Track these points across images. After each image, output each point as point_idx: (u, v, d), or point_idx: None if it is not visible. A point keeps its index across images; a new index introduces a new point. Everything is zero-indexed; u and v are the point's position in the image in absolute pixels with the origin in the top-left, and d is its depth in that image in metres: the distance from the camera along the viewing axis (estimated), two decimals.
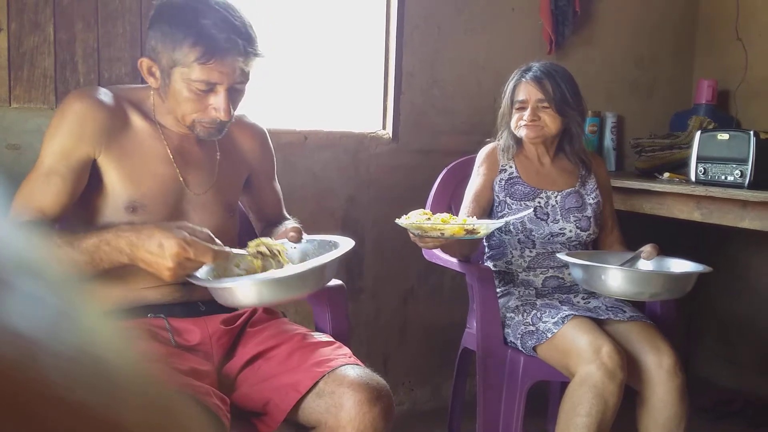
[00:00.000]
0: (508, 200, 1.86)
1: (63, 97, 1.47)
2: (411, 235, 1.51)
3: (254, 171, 1.52)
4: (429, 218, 1.49)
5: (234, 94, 1.31)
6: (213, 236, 1.19)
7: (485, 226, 1.49)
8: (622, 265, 1.71)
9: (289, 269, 1.24)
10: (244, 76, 1.30)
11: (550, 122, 1.85)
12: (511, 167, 1.90)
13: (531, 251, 1.86)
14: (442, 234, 1.46)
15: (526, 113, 1.84)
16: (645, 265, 1.74)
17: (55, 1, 1.72)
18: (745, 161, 2.00)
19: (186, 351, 1.29)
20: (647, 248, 1.76)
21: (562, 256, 1.74)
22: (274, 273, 1.22)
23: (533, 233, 1.84)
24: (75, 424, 0.18)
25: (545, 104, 1.83)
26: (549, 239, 1.84)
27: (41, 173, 1.26)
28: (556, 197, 1.88)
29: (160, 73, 1.31)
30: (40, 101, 1.72)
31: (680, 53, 2.87)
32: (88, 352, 0.19)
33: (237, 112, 1.51)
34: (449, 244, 1.63)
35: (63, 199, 1.25)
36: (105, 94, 1.33)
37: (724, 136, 2.09)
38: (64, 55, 1.74)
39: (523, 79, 1.86)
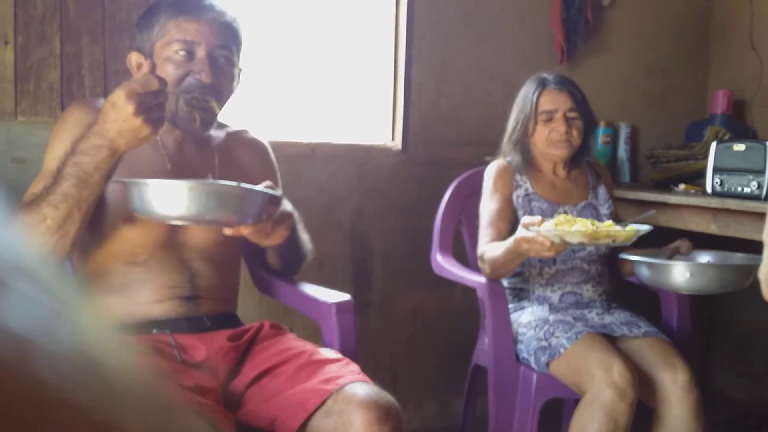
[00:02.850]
0: None
1: None
2: (543, 244, 1.50)
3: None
4: (556, 225, 1.54)
5: (216, 64, 1.31)
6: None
7: (641, 231, 1.54)
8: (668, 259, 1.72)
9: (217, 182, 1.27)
10: (223, 41, 1.32)
11: (577, 135, 1.81)
12: (525, 182, 1.84)
13: (551, 268, 1.81)
14: (614, 241, 1.50)
15: (557, 125, 1.77)
16: (701, 259, 1.75)
17: (62, 14, 1.72)
18: (761, 172, 1.96)
19: (191, 367, 1.27)
20: (685, 243, 1.73)
21: (627, 256, 1.71)
22: (202, 181, 1.24)
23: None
24: (71, 426, 0.17)
25: (574, 114, 1.79)
26: (570, 255, 1.80)
27: (43, 176, 1.27)
28: (572, 212, 1.84)
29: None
30: (46, 114, 1.71)
31: (694, 63, 2.84)
32: (84, 353, 0.19)
33: (238, 127, 1.49)
34: (514, 259, 1.65)
35: None
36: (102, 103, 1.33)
37: (740, 146, 2.05)
38: (71, 68, 1.73)
39: (548, 87, 1.79)
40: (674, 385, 1.61)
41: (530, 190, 1.83)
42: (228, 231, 1.25)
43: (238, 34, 1.35)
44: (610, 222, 1.57)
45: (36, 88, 1.70)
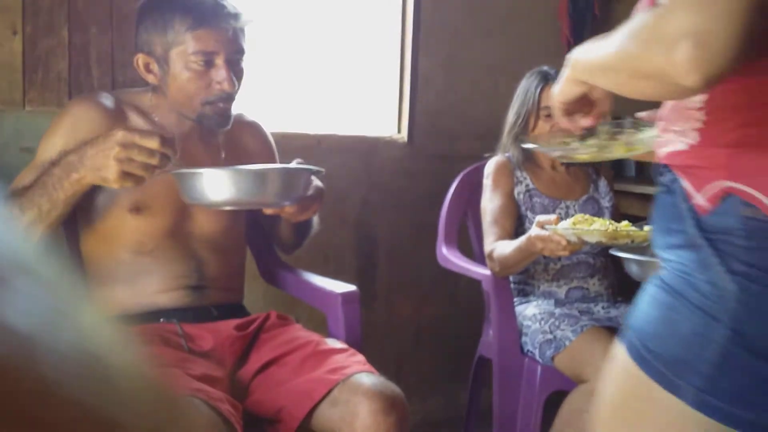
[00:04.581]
0: (529, 214, 1.80)
1: None
2: (559, 243, 1.48)
3: None
4: (575, 224, 1.53)
5: (234, 69, 1.32)
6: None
7: None
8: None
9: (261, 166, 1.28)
10: (240, 46, 1.32)
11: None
12: (525, 178, 1.84)
13: (556, 264, 1.81)
14: (632, 242, 1.50)
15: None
16: None
17: (70, 4, 1.72)
18: None
19: (199, 356, 1.28)
20: None
21: (617, 252, 1.70)
22: (250, 166, 1.26)
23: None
24: (73, 424, 0.17)
25: None
26: None
27: (31, 168, 1.27)
28: (575, 207, 1.84)
29: (157, 65, 1.32)
30: (54, 104, 1.71)
31: None
32: (87, 350, 0.19)
33: (234, 111, 1.50)
34: (526, 258, 1.63)
35: None
36: (105, 98, 1.34)
37: None
38: (79, 58, 1.74)
39: (551, 82, 1.78)
40: None
41: (531, 186, 1.83)
42: (269, 210, 1.27)
43: (246, 32, 1.36)
44: (627, 222, 1.57)
45: (44, 77, 1.71)
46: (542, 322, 1.72)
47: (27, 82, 1.69)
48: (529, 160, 1.85)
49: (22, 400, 0.16)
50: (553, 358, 1.67)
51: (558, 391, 1.74)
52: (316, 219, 1.52)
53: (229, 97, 1.33)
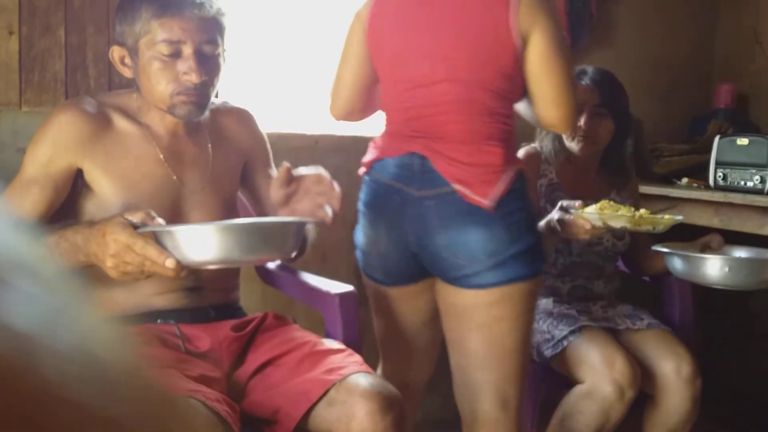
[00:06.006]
0: (549, 207, 1.79)
1: None
2: (584, 226, 1.51)
3: (249, 159, 1.50)
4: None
5: (204, 60, 1.28)
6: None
7: (678, 220, 1.58)
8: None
9: (249, 220, 1.24)
10: (210, 36, 1.29)
11: (604, 133, 1.77)
12: (551, 173, 1.80)
13: (566, 259, 1.80)
14: (654, 228, 1.52)
15: (582, 120, 1.73)
16: (734, 254, 1.75)
17: (67, 4, 1.72)
18: (764, 167, 1.96)
19: (196, 357, 1.28)
20: (716, 238, 1.73)
21: (661, 248, 1.70)
22: (233, 221, 1.21)
23: (573, 241, 1.77)
24: (73, 423, 0.17)
25: (603, 110, 1.75)
26: (586, 248, 1.78)
27: (21, 181, 1.28)
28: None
29: (130, 58, 1.31)
30: (51, 105, 1.71)
31: (699, 57, 2.83)
32: (85, 350, 0.19)
33: (219, 101, 1.48)
34: (549, 237, 1.63)
35: (41, 208, 1.26)
36: (89, 103, 1.33)
37: (743, 141, 2.06)
38: (75, 58, 1.74)
39: (580, 83, 1.76)
40: (677, 376, 1.61)
41: (554, 180, 1.79)
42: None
43: (222, 23, 1.32)
44: (645, 210, 1.57)
45: (41, 78, 1.71)
46: (540, 322, 1.72)
47: (23, 82, 1.69)
48: (560, 154, 1.81)
49: (21, 400, 0.16)
50: (550, 358, 1.67)
51: (554, 394, 1.74)
52: (312, 233, 1.51)
53: (198, 89, 1.29)
